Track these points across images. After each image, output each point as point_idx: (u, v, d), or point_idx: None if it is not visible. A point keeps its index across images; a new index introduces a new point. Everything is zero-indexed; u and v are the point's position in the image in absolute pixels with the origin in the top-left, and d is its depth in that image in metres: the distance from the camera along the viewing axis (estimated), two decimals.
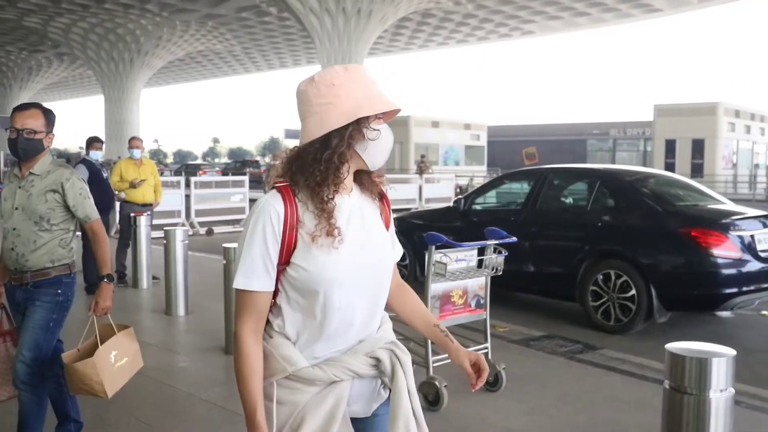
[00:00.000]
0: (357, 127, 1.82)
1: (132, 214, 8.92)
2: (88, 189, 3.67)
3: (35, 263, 3.50)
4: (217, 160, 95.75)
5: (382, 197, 2.01)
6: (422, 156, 28.69)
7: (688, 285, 6.81)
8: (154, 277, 8.94)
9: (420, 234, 8.91)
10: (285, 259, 1.81)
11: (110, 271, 3.65)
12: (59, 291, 3.58)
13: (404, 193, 23.17)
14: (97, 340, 3.49)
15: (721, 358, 2.77)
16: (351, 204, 1.89)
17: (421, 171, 25.81)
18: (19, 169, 3.59)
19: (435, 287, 4.72)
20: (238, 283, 1.82)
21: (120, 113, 57.05)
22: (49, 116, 3.58)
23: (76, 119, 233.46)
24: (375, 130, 1.83)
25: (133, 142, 9.30)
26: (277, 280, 1.84)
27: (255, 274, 1.80)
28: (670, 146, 35.61)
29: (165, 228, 7.87)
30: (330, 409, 1.83)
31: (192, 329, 6.94)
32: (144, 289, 8.82)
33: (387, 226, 2.02)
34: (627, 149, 53.62)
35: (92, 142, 8.68)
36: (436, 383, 4.60)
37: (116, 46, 54.22)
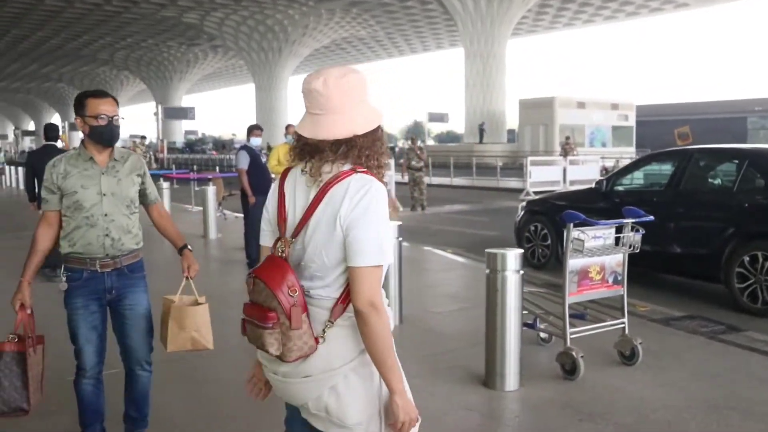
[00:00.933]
0: None
1: None
2: None
3: (128, 246, 3.60)
4: None
5: None
6: (567, 137, 28.30)
7: None
8: None
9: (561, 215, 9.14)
10: None
11: (185, 241, 3.85)
12: (144, 273, 3.76)
13: (548, 174, 23.09)
14: (197, 298, 3.70)
15: None
16: None
17: (565, 153, 25.51)
18: (90, 155, 3.57)
19: (573, 263, 5.00)
20: (390, 258, 2.06)
21: (270, 101, 59.67)
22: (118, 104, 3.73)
23: (228, 107, 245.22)
24: None
25: (290, 128, 10.07)
26: None
27: (390, 250, 2.06)
28: None
29: None
30: None
31: None
32: None
33: None
34: None
35: (253, 130, 9.53)
36: (573, 354, 4.89)
37: (266, 36, 56.70)
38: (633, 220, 5.17)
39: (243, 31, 56.65)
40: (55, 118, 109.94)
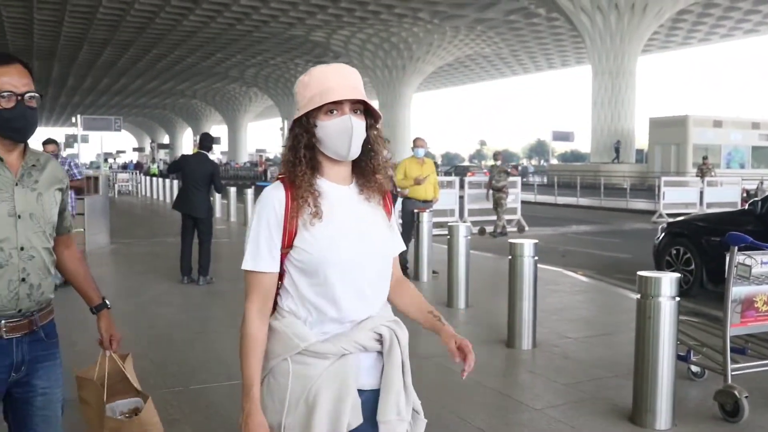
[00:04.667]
0: (308, 121, 1.98)
1: (415, 211, 9.48)
2: None
3: (47, 295, 2.40)
4: (483, 163, 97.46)
5: (385, 193, 2.13)
6: (704, 157, 26.75)
7: None
8: (433, 272, 9.42)
9: (708, 238, 8.45)
10: (288, 243, 1.96)
11: (102, 294, 2.71)
12: (57, 337, 2.52)
13: (682, 196, 21.87)
14: (136, 386, 2.70)
15: None
16: (342, 193, 2.03)
17: (702, 173, 24.10)
18: None
19: (737, 291, 4.46)
20: (246, 264, 1.98)
21: (392, 117, 60.04)
22: (33, 74, 2.36)
23: None
24: (318, 121, 1.97)
25: (418, 141, 9.87)
26: (283, 262, 1.99)
27: (260, 257, 1.97)
28: None
29: (449, 224, 8.24)
30: (342, 380, 1.95)
31: (472, 321, 7.22)
32: (424, 282, 9.32)
33: (389, 220, 2.15)
34: None
35: None
36: (736, 393, 4.35)
37: (390, 54, 57.24)
38: None
39: (368, 49, 57.38)
40: (188, 133, 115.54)
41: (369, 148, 2.04)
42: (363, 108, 2.01)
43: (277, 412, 1.96)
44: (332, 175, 2.03)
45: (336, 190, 2.02)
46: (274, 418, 1.95)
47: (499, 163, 16.33)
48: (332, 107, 1.96)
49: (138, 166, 55.81)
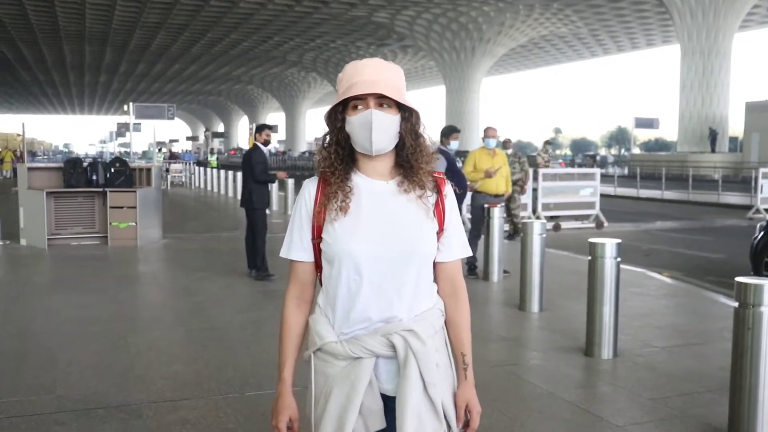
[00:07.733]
0: (337, 117, 2.10)
1: (485, 206, 9.39)
2: None
3: None
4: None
5: (439, 193, 2.16)
6: None
7: None
8: (504, 271, 9.33)
9: None
10: (317, 235, 2.12)
11: None
12: None
13: None
14: None
15: None
16: (377, 188, 2.11)
17: None
18: None
19: None
20: (282, 252, 2.21)
21: (460, 103, 59.81)
22: None
23: None
24: (346, 116, 2.08)
25: (489, 131, 9.75)
26: (319, 254, 2.15)
27: (293, 246, 2.17)
28: None
29: (522, 220, 8.13)
30: (352, 383, 2.03)
31: (547, 326, 7.11)
32: (495, 282, 9.24)
33: (440, 223, 2.15)
34: None
35: (451, 132, 9.27)
36: None
37: (458, 35, 56.93)
38: None
39: (435, 30, 57.15)
40: (243, 121, 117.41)
41: (403, 142, 2.10)
42: (396, 102, 2.07)
43: (308, 403, 2.14)
44: (368, 170, 2.13)
45: (370, 184, 2.12)
46: (308, 408, 2.14)
47: (509, 152, 14.42)
48: (357, 102, 2.06)
49: (172, 156, 54.68)
